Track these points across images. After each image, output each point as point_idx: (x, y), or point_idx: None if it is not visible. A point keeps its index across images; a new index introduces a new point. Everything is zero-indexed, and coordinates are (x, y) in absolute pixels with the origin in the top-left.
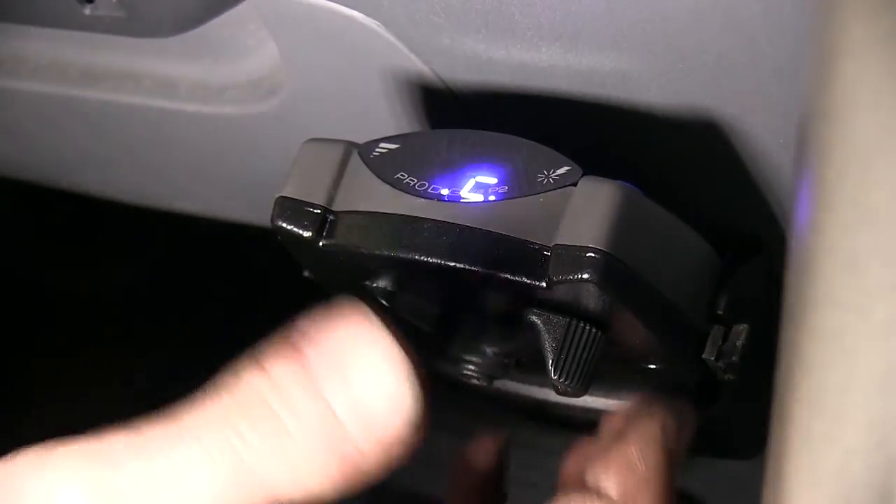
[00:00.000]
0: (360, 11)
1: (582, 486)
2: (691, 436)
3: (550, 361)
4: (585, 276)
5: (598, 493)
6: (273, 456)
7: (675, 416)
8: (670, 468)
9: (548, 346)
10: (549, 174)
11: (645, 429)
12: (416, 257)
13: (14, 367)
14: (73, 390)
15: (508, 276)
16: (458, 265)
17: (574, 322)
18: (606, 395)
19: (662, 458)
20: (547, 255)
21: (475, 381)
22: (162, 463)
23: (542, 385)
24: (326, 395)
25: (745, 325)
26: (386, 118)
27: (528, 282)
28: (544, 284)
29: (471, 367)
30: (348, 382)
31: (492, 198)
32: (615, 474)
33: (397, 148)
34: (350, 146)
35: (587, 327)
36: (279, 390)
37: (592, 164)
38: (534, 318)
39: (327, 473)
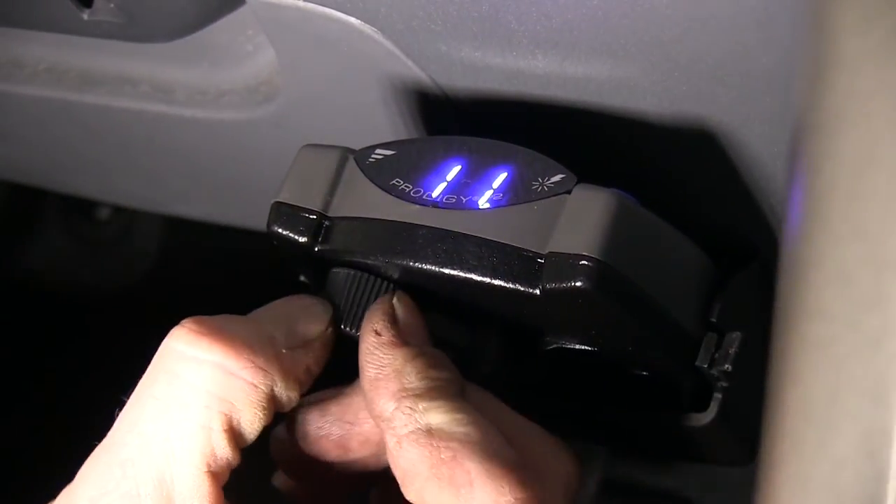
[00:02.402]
0: (358, 18)
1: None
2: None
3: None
4: (579, 283)
5: (387, 420)
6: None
7: (379, 310)
8: (403, 343)
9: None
10: (543, 182)
11: (364, 346)
12: (411, 264)
13: (12, 364)
14: (72, 391)
15: (502, 284)
16: (451, 272)
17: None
18: (602, 401)
19: (393, 349)
20: (541, 263)
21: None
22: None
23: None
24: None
25: (739, 333)
26: (382, 124)
27: (522, 289)
28: (537, 292)
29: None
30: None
31: (486, 205)
32: (379, 396)
33: (393, 154)
34: (346, 152)
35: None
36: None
37: (587, 171)
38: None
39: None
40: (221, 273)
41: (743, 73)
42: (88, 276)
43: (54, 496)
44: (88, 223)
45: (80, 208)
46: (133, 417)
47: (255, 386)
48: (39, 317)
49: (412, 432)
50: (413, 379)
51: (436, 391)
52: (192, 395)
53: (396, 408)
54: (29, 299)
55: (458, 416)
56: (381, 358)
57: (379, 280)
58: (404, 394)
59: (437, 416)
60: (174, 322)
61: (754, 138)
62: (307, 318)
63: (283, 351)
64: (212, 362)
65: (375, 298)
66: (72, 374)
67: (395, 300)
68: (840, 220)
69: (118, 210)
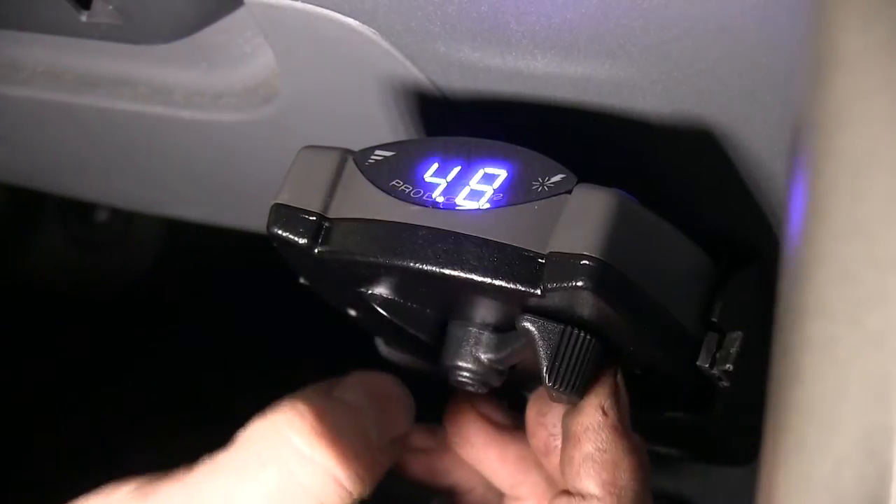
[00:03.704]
0: (356, 19)
1: (566, 493)
2: (624, 390)
3: (545, 369)
4: (580, 283)
5: (584, 497)
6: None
7: (609, 387)
8: (625, 433)
9: (542, 353)
10: (543, 182)
11: (589, 420)
12: (411, 265)
13: (11, 364)
14: (72, 392)
15: (503, 284)
16: (452, 272)
17: (569, 329)
18: None
19: (616, 436)
20: (541, 263)
21: (470, 388)
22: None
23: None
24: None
25: (740, 333)
26: (381, 125)
27: (523, 289)
28: (539, 292)
29: (465, 374)
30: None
31: (486, 205)
32: (588, 476)
33: (393, 155)
34: (345, 153)
35: (582, 334)
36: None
37: (587, 171)
38: (528, 324)
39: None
40: (220, 274)
41: (743, 73)
42: (87, 277)
43: (56, 495)
44: (87, 225)
45: (79, 210)
46: (227, 485)
47: (352, 493)
48: (38, 318)
49: None
50: (624, 476)
51: (635, 494)
52: (301, 496)
53: (600, 498)
54: (28, 301)
55: None
56: (603, 441)
57: (584, 337)
58: (612, 489)
59: None
60: (172, 322)
61: (754, 137)
62: (396, 412)
63: (378, 456)
64: (326, 470)
65: (578, 354)
66: (71, 374)
67: (619, 379)
68: (841, 218)
69: (116, 212)
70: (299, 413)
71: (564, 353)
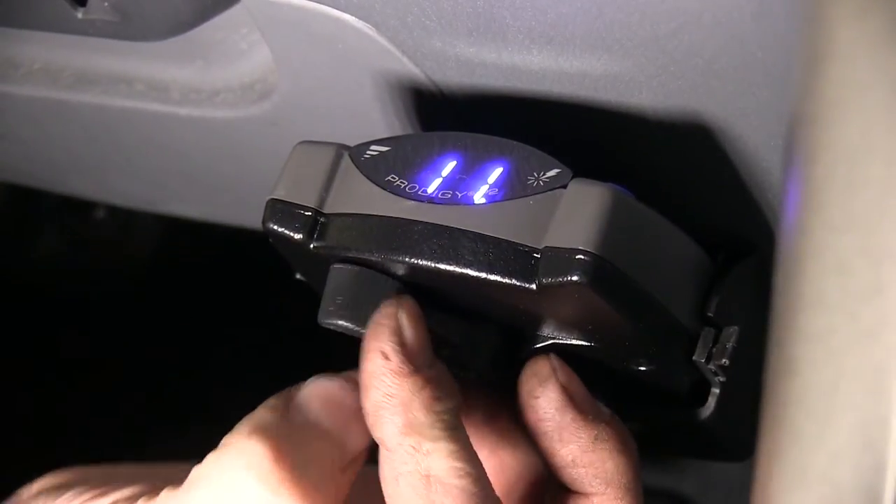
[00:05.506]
0: (353, 15)
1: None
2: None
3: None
4: (575, 278)
5: (384, 445)
6: None
7: (386, 328)
8: (412, 372)
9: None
10: (539, 176)
11: (371, 367)
12: (406, 260)
13: (11, 364)
14: (71, 391)
15: (498, 279)
16: (447, 267)
17: (367, 271)
18: (598, 398)
19: (401, 377)
20: (537, 258)
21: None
22: None
23: None
24: None
25: (736, 328)
26: (377, 121)
27: (518, 284)
28: (534, 287)
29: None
30: None
31: (482, 200)
32: (382, 426)
33: (388, 150)
34: (341, 149)
35: (379, 275)
36: None
37: (583, 166)
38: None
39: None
40: (219, 272)
41: (739, 66)
42: (85, 276)
43: None
44: (85, 223)
45: (77, 208)
46: None
47: None
48: (37, 317)
49: (411, 472)
50: (419, 415)
51: (439, 428)
52: None
53: (399, 443)
54: (26, 300)
55: (458, 464)
56: (388, 385)
57: (382, 277)
58: (409, 430)
59: (438, 461)
60: (171, 321)
61: (751, 131)
62: (357, 426)
63: (340, 478)
64: None
65: (379, 296)
66: (70, 373)
67: (401, 315)
68: (837, 210)
69: (114, 210)
70: (258, 454)
71: (350, 289)
